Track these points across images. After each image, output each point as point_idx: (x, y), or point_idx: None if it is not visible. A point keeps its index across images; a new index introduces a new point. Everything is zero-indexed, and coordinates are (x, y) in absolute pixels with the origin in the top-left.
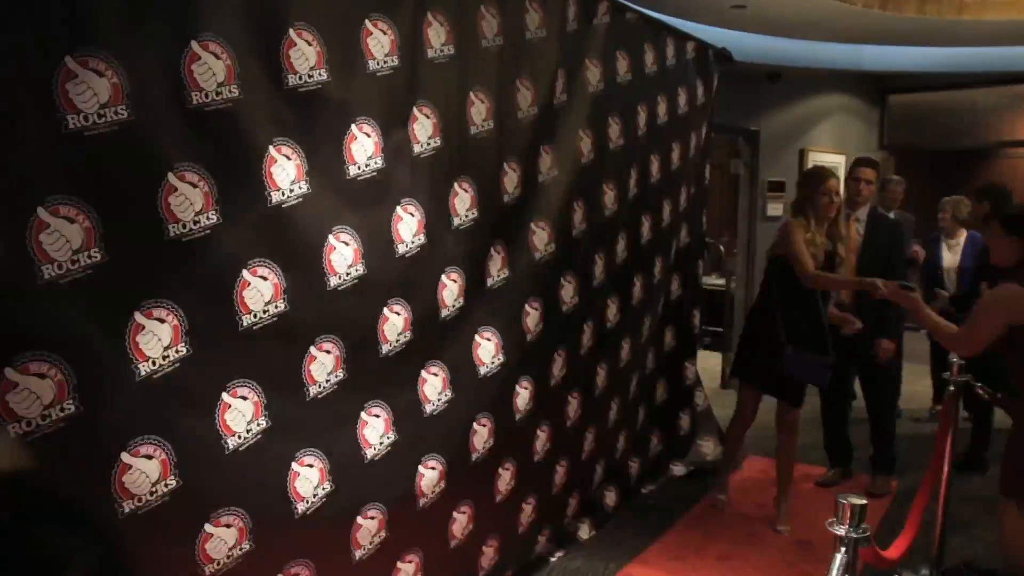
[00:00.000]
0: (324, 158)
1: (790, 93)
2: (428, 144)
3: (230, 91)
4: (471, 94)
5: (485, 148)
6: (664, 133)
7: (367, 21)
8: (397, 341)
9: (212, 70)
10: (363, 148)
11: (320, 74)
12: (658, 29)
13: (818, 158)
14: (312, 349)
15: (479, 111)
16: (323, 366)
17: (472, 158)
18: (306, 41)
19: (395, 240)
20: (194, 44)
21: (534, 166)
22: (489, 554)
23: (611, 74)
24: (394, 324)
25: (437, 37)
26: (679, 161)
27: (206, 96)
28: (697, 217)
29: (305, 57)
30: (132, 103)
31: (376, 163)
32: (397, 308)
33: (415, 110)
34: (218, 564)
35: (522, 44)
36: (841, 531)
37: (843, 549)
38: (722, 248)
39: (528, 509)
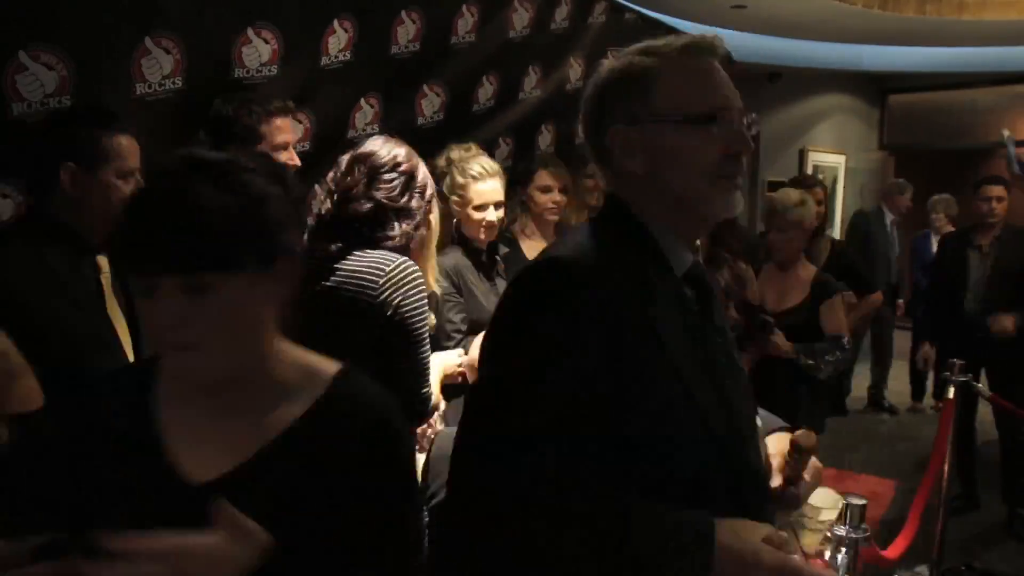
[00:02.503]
0: None
1: (790, 93)
2: (365, 130)
3: (174, 83)
4: (424, 86)
5: (436, 140)
6: None
7: (335, 20)
8: None
9: (159, 64)
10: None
11: (270, 69)
12: (656, 29)
13: (818, 158)
14: None
15: (431, 103)
16: None
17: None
18: (263, 39)
19: None
20: (147, 40)
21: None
22: None
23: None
24: None
25: (405, 35)
26: None
27: (149, 87)
28: None
29: (258, 54)
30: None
31: (304, 147)
32: None
33: (361, 100)
34: None
35: (506, 43)
36: (841, 531)
37: (843, 549)
38: None
39: None
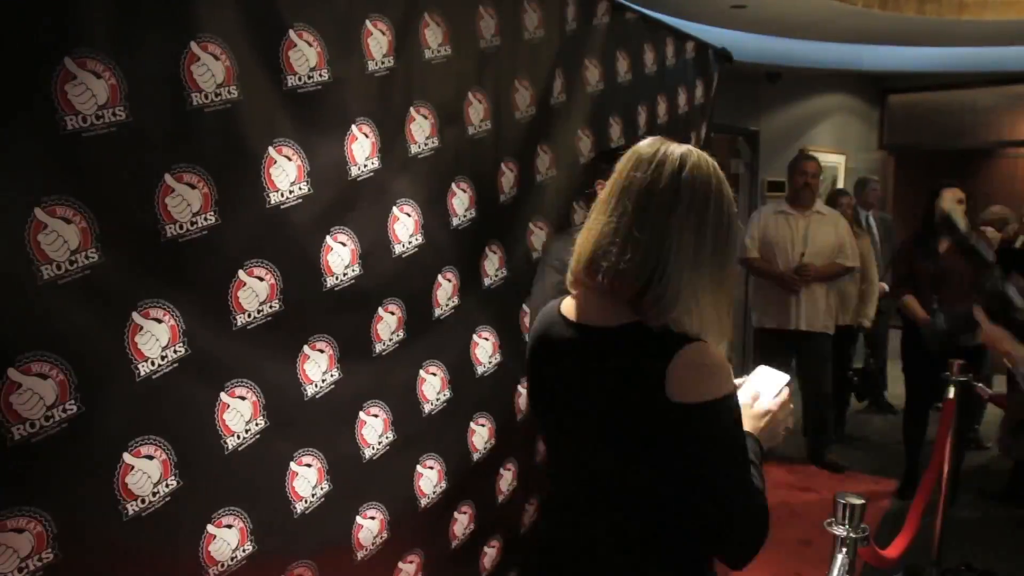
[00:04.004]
0: (325, 159)
1: (790, 93)
2: (426, 144)
3: (229, 92)
4: (469, 94)
5: (483, 148)
6: (664, 133)
7: (367, 21)
8: (390, 340)
9: (211, 71)
10: (362, 149)
11: (321, 74)
12: (657, 29)
13: (818, 158)
14: (306, 348)
15: (476, 111)
16: (317, 365)
17: (470, 158)
18: (306, 42)
19: (392, 240)
20: (193, 45)
21: (532, 166)
22: (491, 555)
23: (611, 74)
24: (388, 323)
25: (434, 37)
26: None
27: (205, 97)
28: None
29: (305, 58)
30: (130, 104)
31: (373, 164)
32: (392, 308)
33: (412, 110)
34: (222, 566)
35: (520, 44)
36: (841, 531)
37: (843, 549)
38: None
39: (531, 510)
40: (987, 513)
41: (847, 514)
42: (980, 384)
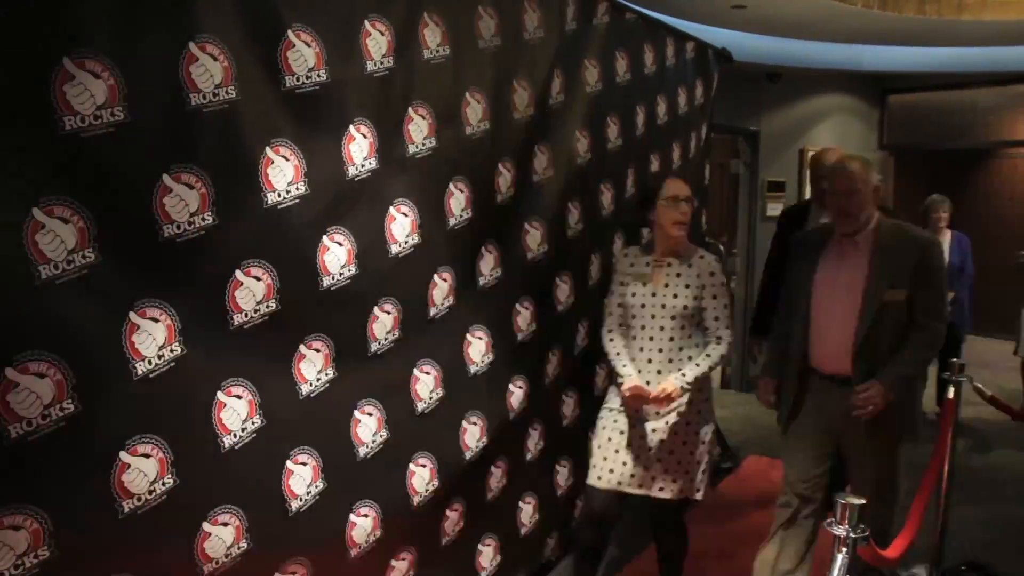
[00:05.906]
0: (322, 159)
1: (790, 93)
2: (423, 145)
3: (227, 92)
4: (467, 94)
5: (480, 148)
6: (664, 133)
7: (366, 22)
8: (386, 339)
9: (209, 71)
10: (360, 149)
11: (319, 75)
12: (657, 29)
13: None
14: (302, 348)
15: (475, 111)
16: (313, 364)
17: (467, 159)
18: (305, 42)
19: (388, 240)
20: (192, 45)
21: (529, 166)
22: (488, 553)
23: (610, 74)
24: (383, 323)
25: (433, 38)
26: (679, 160)
27: (204, 97)
28: (697, 217)
29: (304, 58)
30: (129, 105)
31: (371, 163)
32: (387, 307)
33: (410, 110)
34: (216, 563)
35: (520, 44)
36: (841, 531)
37: (843, 549)
38: (722, 248)
39: (528, 509)
40: (987, 513)
41: (847, 514)
42: (979, 385)
